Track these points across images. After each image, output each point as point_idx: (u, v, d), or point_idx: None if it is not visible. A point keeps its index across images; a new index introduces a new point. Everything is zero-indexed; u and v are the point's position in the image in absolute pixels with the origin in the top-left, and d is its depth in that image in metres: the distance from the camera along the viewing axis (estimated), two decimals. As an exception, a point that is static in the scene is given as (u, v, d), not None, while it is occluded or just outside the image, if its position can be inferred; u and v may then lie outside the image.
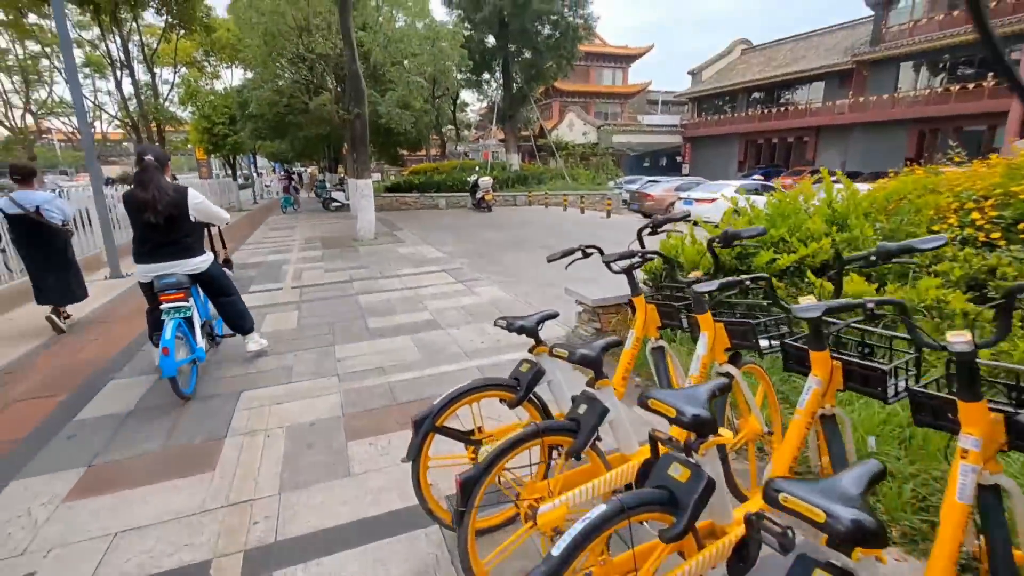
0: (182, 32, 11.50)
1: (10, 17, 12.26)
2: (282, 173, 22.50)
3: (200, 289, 3.90)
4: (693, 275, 2.06)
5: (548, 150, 26.98)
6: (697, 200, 14.72)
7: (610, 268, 2.53)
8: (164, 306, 3.41)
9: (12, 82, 15.30)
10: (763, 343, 2.01)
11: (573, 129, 36.20)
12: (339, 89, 14.49)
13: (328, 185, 19.02)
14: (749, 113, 31.15)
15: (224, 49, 12.72)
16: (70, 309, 5.46)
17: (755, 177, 24.57)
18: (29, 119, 16.58)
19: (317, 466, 2.69)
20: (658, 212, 17.32)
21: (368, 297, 6.04)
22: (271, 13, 12.23)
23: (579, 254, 2.50)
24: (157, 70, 19.58)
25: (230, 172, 22.46)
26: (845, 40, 26.89)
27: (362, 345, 4.46)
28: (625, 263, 2.38)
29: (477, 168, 18.28)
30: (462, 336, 4.62)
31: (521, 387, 2.09)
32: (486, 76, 22.88)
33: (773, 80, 29.11)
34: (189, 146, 30.11)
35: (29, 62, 14.44)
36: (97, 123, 21.06)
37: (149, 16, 12.49)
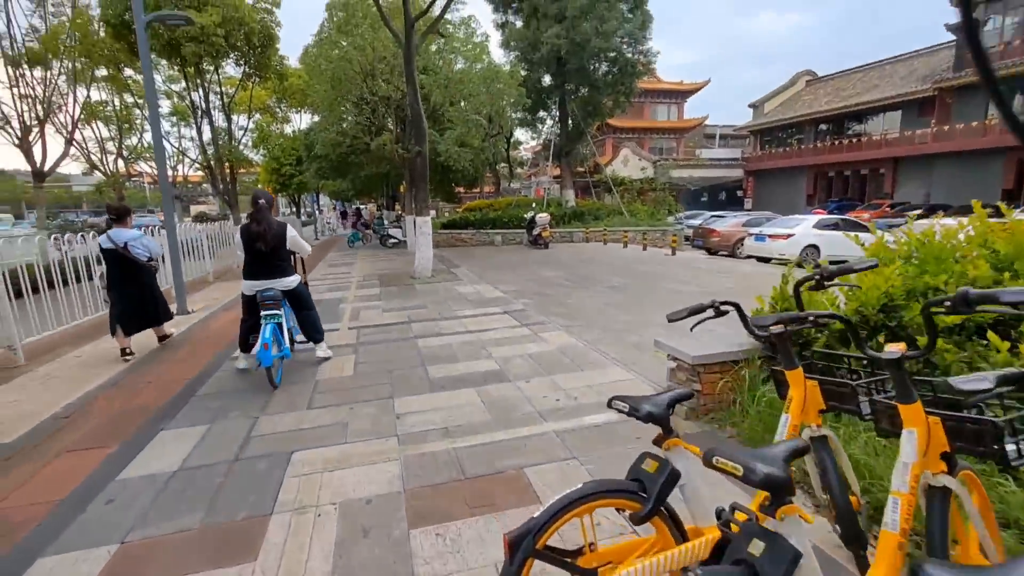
0: (257, 80, 12.11)
1: (110, 72, 13.49)
2: (348, 209, 23.27)
3: (288, 303, 4.78)
4: (892, 348, 1.48)
5: (603, 186, 26.60)
6: (771, 236, 13.77)
7: (754, 334, 1.95)
8: (264, 313, 4.37)
9: (109, 130, 16.76)
10: (1008, 448, 1.39)
11: (628, 164, 35.79)
12: (399, 129, 14.82)
13: (386, 222, 19.35)
14: (817, 145, 29.74)
15: (294, 95, 13.37)
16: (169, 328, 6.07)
17: (814, 211, 23.12)
18: (120, 163, 18.01)
19: (374, 564, 2.21)
20: (724, 248, 16.38)
21: (428, 341, 5.66)
22: (339, 59, 12.71)
23: (711, 312, 1.92)
24: (234, 117, 20.99)
25: (294, 210, 23.49)
26: (923, 67, 25.38)
27: (423, 399, 4.03)
28: (778, 328, 1.78)
29: (533, 204, 18.07)
30: (533, 391, 4.10)
31: (649, 495, 1.53)
32: (541, 114, 22.99)
33: (844, 110, 27.75)
34: (259, 186, 32.05)
35: (124, 111, 15.80)
36: (180, 167, 22.73)
37: (229, 69, 13.39)
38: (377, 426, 3.57)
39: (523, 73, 15.34)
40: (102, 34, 11.60)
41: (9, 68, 11.62)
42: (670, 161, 31.85)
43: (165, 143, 16.22)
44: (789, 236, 13.35)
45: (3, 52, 11.50)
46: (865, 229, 14.04)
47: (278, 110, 19.88)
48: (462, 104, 15.01)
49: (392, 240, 17.50)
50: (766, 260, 14.00)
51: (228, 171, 11.87)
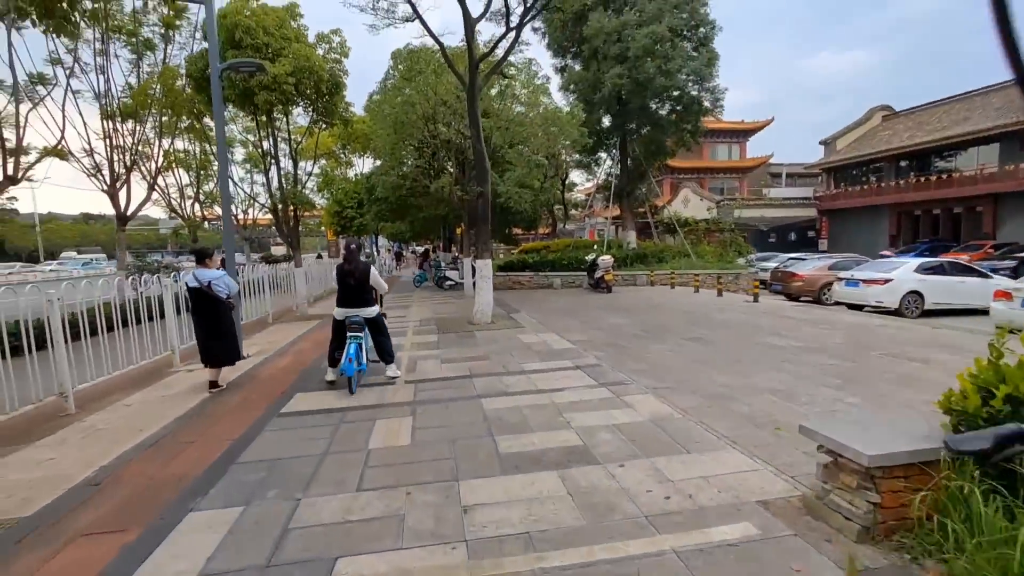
0: (323, 126, 12.39)
1: (191, 123, 14.32)
2: (403, 250, 23.45)
3: (368, 328, 5.66)
4: None
5: (664, 227, 25.62)
6: (865, 281, 12.32)
7: None
8: (349, 334, 5.39)
9: (188, 177, 17.80)
10: None
11: (688, 205, 34.70)
12: (459, 172, 14.73)
13: (443, 264, 19.18)
14: (900, 183, 27.59)
15: (358, 139, 13.60)
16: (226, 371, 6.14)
17: (881, 253, 21.01)
18: (197, 207, 19.04)
19: None
20: (807, 294, 14.93)
21: (494, 403, 4.94)
22: (402, 104, 12.83)
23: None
24: (300, 162, 22.04)
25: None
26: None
27: (494, 484, 3.28)
28: None
29: (595, 247, 17.31)
30: (632, 481, 3.26)
31: None
32: (599, 155, 22.56)
33: (931, 145, 25.68)
34: (322, 228, 33.17)
35: (202, 159, 16.74)
36: (251, 210, 23.90)
37: (300, 119, 13.88)
38: (440, 523, 2.84)
39: (583, 115, 14.94)
40: (188, 90, 12.35)
41: (106, 122, 12.45)
42: (736, 201, 30.41)
43: (238, 188, 16.92)
44: (887, 281, 11.89)
45: (101, 108, 12.36)
46: (977, 273, 12.32)
47: (342, 155, 20.58)
48: (521, 147, 14.77)
49: (449, 282, 17.18)
50: (858, 307, 12.56)
51: (292, 214, 12.01)
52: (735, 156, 47.42)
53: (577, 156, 24.55)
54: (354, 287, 5.52)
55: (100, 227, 68.22)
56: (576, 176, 34.99)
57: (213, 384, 5.80)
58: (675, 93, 17.18)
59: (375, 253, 32.87)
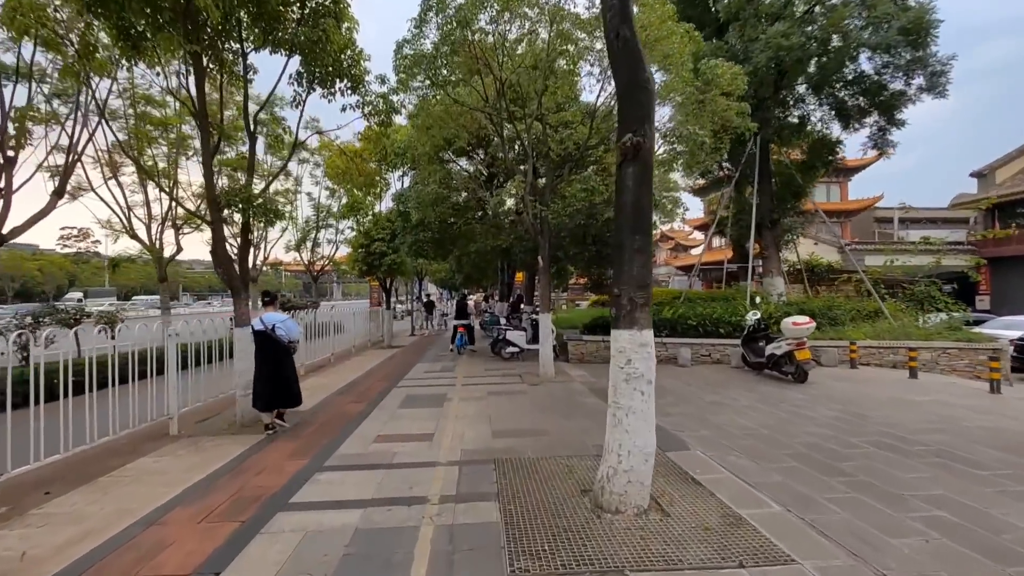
0: (314, 87, 7.07)
1: (72, 62, 8.64)
2: (436, 299, 18.36)
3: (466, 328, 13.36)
4: None
5: (808, 272, 18.99)
6: None
7: None
8: (460, 331, 12.95)
9: (160, 183, 12.84)
10: None
11: (797, 249, 27.74)
12: (533, 177, 9.08)
13: (502, 320, 13.28)
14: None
15: (376, 113, 8.36)
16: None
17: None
18: (170, 234, 14.27)
19: None
20: None
21: None
22: (445, 35, 7.54)
23: None
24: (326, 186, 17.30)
25: (384, 298, 18.38)
26: None
27: None
28: None
29: (757, 299, 10.71)
30: None
31: None
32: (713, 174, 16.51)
33: None
34: (343, 267, 27.68)
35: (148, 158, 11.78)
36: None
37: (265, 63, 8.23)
38: None
39: (743, 77, 8.88)
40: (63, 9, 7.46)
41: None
42: (870, 246, 23.20)
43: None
44: None
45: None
46: None
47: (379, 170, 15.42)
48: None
49: (511, 348, 11.10)
50: None
51: (238, 222, 6.53)
52: (834, 197, 40.70)
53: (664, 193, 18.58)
54: (464, 311, 13.47)
55: (171, 270, 67.37)
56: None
57: (271, 425, 5.66)
58: (870, 67, 10.96)
59: (422, 300, 26.59)
